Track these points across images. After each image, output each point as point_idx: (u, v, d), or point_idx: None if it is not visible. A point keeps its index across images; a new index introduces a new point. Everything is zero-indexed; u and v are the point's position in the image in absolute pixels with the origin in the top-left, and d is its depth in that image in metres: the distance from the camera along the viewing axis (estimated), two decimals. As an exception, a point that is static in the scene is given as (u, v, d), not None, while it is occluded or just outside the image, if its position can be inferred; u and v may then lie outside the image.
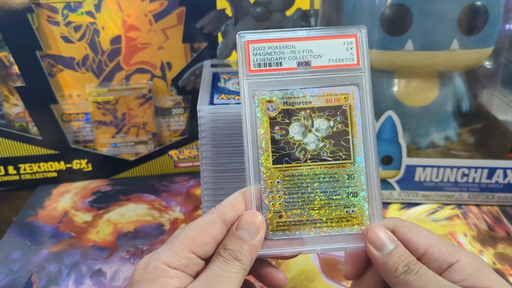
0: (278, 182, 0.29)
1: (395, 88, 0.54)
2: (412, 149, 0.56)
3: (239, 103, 0.43)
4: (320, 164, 0.29)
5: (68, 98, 0.58)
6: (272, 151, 0.29)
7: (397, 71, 0.54)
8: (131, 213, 0.54)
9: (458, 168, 0.52)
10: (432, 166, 0.52)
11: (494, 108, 0.60)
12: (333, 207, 0.29)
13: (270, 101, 0.30)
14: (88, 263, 0.46)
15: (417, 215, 0.52)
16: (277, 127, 0.30)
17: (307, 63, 0.30)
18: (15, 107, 0.58)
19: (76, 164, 0.60)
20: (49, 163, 0.59)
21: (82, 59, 0.56)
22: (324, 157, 0.29)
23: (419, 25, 0.48)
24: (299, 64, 0.30)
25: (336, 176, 0.29)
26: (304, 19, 0.56)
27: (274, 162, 0.29)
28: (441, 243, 0.28)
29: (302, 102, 0.30)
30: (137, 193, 0.59)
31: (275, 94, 0.30)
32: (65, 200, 0.57)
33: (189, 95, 0.60)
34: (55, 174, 0.60)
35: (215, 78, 0.51)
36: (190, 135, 0.61)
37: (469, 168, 0.52)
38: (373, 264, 0.28)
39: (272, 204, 0.29)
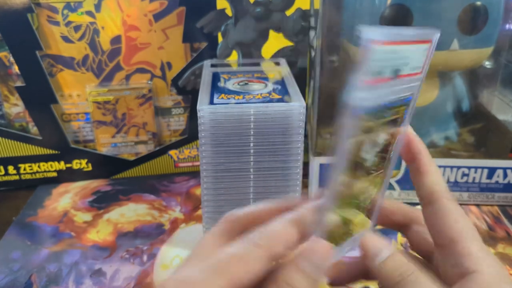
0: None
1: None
2: (412, 149, 0.56)
3: (239, 103, 0.43)
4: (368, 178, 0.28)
5: (68, 98, 0.58)
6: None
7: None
8: (131, 213, 0.54)
9: (458, 168, 0.52)
10: (432, 166, 0.52)
11: (494, 108, 0.60)
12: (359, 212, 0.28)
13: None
14: (88, 263, 0.46)
15: (417, 215, 0.52)
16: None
17: (397, 72, 0.25)
18: (15, 107, 0.58)
19: (76, 164, 0.60)
20: (49, 163, 0.59)
21: (82, 59, 0.56)
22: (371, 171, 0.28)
23: (419, 25, 0.47)
24: (394, 72, 0.24)
25: (371, 187, 0.28)
26: (304, 19, 0.56)
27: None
28: (470, 240, 0.25)
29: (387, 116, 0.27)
30: (137, 193, 0.59)
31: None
32: (65, 200, 0.57)
33: (189, 95, 0.60)
34: (55, 174, 0.60)
35: (215, 78, 0.51)
36: (190, 135, 0.61)
37: (469, 168, 0.52)
38: (370, 270, 0.27)
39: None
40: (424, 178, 0.27)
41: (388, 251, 0.26)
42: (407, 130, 0.28)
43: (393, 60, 0.24)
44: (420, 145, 0.28)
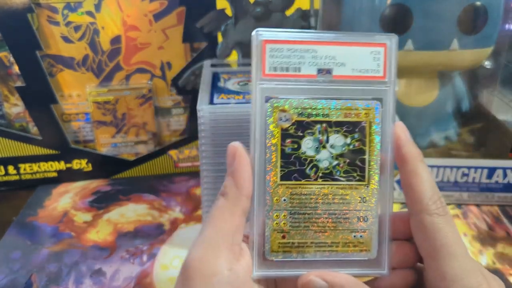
0: (284, 200, 0.27)
1: (395, 88, 0.54)
2: (412, 149, 0.55)
3: (239, 103, 0.43)
4: (331, 184, 0.27)
5: (68, 98, 0.58)
6: (281, 166, 0.27)
7: (397, 71, 0.54)
8: (131, 213, 0.54)
9: (458, 168, 0.52)
10: (432, 166, 0.52)
11: (494, 108, 0.60)
12: (341, 230, 0.27)
13: (283, 110, 0.27)
14: (88, 263, 0.46)
15: (417, 215, 0.52)
16: (288, 140, 0.27)
17: (329, 71, 0.27)
18: (15, 107, 0.58)
19: (76, 164, 0.60)
20: (49, 163, 0.59)
21: (82, 59, 0.56)
22: (336, 177, 0.27)
23: (419, 25, 0.48)
24: (319, 71, 0.27)
25: (347, 198, 0.27)
26: (304, 19, 0.56)
27: (282, 178, 0.27)
28: (449, 257, 0.24)
29: (320, 114, 0.27)
30: (137, 193, 0.58)
31: (289, 103, 0.27)
32: (65, 200, 0.57)
33: (189, 95, 0.60)
34: (55, 174, 0.60)
35: (215, 78, 0.51)
36: (190, 135, 0.61)
37: (469, 168, 0.52)
38: None
39: (276, 223, 0.27)
40: (412, 187, 0.26)
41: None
42: (395, 133, 0.27)
43: (301, 58, 0.27)
44: (409, 150, 0.27)
